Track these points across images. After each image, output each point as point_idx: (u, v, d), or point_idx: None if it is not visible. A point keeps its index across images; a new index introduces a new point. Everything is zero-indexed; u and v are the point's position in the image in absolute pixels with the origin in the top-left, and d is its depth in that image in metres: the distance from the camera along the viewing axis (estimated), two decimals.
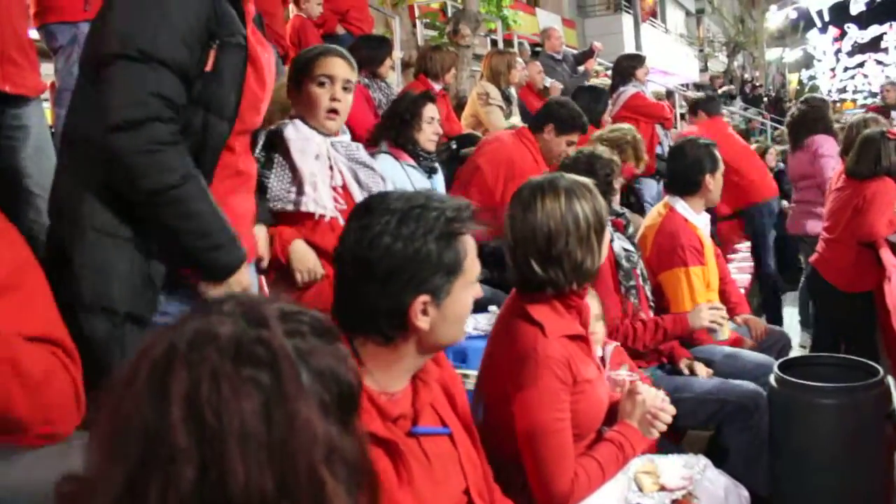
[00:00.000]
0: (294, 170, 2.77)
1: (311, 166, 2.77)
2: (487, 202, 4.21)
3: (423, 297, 1.57)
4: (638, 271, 3.37)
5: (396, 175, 3.69)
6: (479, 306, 2.77)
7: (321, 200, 2.77)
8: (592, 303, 2.57)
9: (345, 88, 2.82)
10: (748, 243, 7.74)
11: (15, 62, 2.81)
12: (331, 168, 2.84)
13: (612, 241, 3.12)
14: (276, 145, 2.82)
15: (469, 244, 1.63)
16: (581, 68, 8.59)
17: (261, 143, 2.83)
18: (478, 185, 4.27)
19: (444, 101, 5.89)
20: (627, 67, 6.97)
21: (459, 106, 7.07)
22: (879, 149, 4.38)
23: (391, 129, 3.84)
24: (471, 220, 1.62)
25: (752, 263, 6.86)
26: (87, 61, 1.90)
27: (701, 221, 3.74)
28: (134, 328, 1.85)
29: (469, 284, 1.64)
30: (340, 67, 2.80)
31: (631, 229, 3.53)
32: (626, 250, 3.32)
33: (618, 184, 3.49)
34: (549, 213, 2.17)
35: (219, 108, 1.93)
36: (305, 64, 2.82)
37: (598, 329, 2.72)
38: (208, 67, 1.86)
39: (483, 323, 3.24)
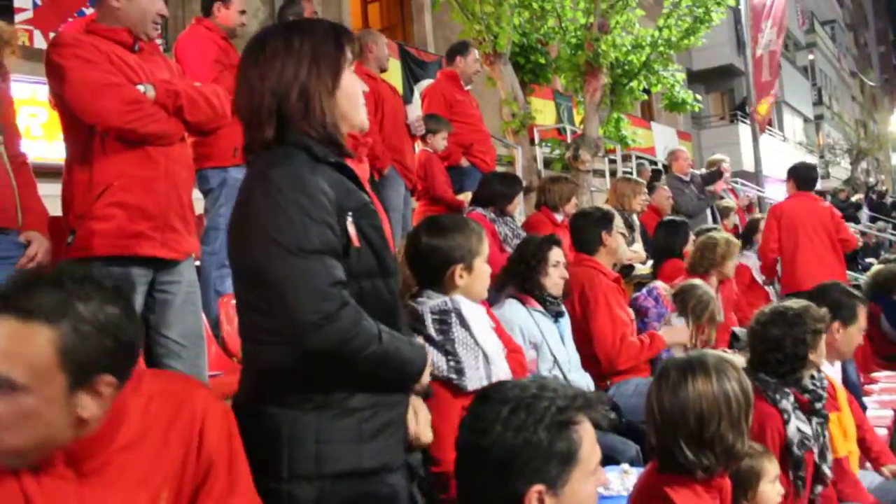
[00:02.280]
0: (477, 346, 2.78)
1: (493, 344, 2.82)
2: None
3: (538, 487, 1.56)
4: (815, 455, 2.97)
5: (524, 321, 3.70)
6: (605, 459, 2.70)
7: (498, 374, 2.78)
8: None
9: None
10: (888, 372, 7.32)
11: (175, 229, 3.04)
12: None
13: (786, 420, 2.88)
14: (450, 322, 2.80)
15: (586, 433, 1.61)
16: (709, 189, 8.49)
17: (429, 319, 2.80)
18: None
19: (567, 232, 5.92)
20: None
21: None
22: None
23: (517, 274, 3.87)
24: (586, 409, 1.61)
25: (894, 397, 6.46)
26: (244, 273, 1.94)
27: (831, 370, 3.59)
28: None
29: (589, 474, 1.62)
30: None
31: (820, 405, 3.06)
32: (801, 432, 2.91)
33: (815, 355, 3.04)
34: (700, 394, 2.12)
35: (381, 269, 1.99)
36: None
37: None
38: (356, 243, 1.91)
39: (615, 483, 3.11)
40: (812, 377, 3.03)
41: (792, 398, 2.93)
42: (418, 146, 6.09)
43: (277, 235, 1.81)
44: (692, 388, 2.14)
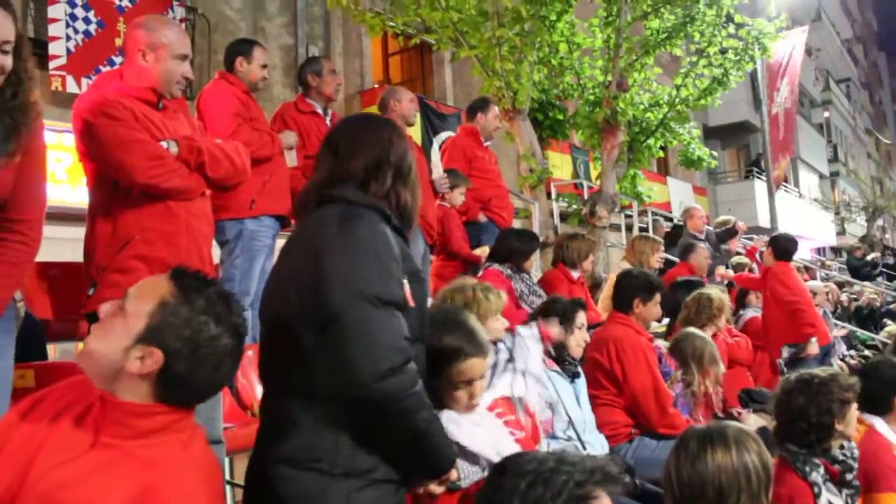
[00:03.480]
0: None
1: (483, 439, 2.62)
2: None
3: None
4: None
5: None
6: None
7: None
8: None
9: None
10: None
11: None
12: None
13: (817, 494, 2.80)
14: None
15: None
16: (724, 247, 8.48)
17: None
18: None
19: (583, 288, 5.91)
20: None
21: (594, 286, 7.09)
22: None
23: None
24: (605, 483, 1.59)
25: None
26: (308, 318, 1.91)
27: None
28: None
29: None
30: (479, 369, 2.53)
31: (851, 476, 2.97)
32: None
33: (843, 425, 2.94)
34: (720, 466, 2.09)
35: (422, 335, 2.06)
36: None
37: None
38: (411, 304, 1.96)
39: None
40: (842, 447, 2.96)
41: (822, 469, 2.86)
42: (437, 202, 6.11)
43: (360, 282, 1.85)
44: (711, 459, 2.10)
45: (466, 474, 2.44)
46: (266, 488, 1.91)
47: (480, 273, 5.30)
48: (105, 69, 7.29)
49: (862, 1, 52.77)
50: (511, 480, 1.59)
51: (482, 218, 6.31)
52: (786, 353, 6.40)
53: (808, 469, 2.84)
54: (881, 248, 26.48)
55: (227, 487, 3.27)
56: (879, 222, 34.24)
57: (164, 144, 3.00)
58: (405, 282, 1.96)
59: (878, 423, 3.49)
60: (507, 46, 7.66)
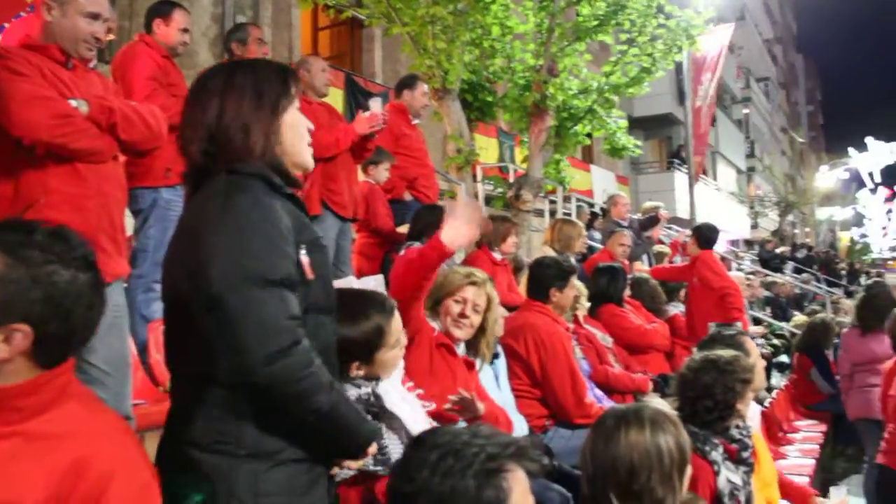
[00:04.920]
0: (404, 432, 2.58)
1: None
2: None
3: None
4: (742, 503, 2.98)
5: None
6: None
7: None
8: None
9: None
10: (810, 421, 7.48)
11: (104, 250, 2.89)
12: None
13: (717, 472, 2.88)
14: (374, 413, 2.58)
15: (517, 482, 1.56)
16: (647, 234, 8.62)
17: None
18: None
19: (506, 270, 5.90)
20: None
21: (517, 269, 7.10)
22: None
23: None
24: (518, 457, 1.57)
25: (816, 446, 6.59)
26: (188, 301, 1.83)
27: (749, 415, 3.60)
28: None
29: None
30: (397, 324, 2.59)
31: (746, 454, 3.07)
32: (731, 483, 2.93)
33: (742, 404, 3.05)
34: (632, 445, 2.10)
35: (327, 306, 1.97)
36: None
37: None
38: (310, 276, 1.88)
39: None
40: (738, 426, 3.05)
41: (721, 449, 2.94)
42: (361, 177, 6.01)
43: (241, 262, 1.76)
44: (624, 438, 2.11)
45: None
46: (172, 471, 1.83)
47: (402, 251, 5.24)
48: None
49: (783, 3, 54.44)
50: (423, 453, 1.57)
51: (407, 196, 6.24)
52: (713, 329, 6.55)
53: (707, 449, 2.90)
54: (791, 242, 27.49)
55: None
56: (790, 217, 35.54)
57: (73, 103, 2.84)
58: (303, 252, 1.87)
59: None
60: (440, 25, 7.59)
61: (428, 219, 5.31)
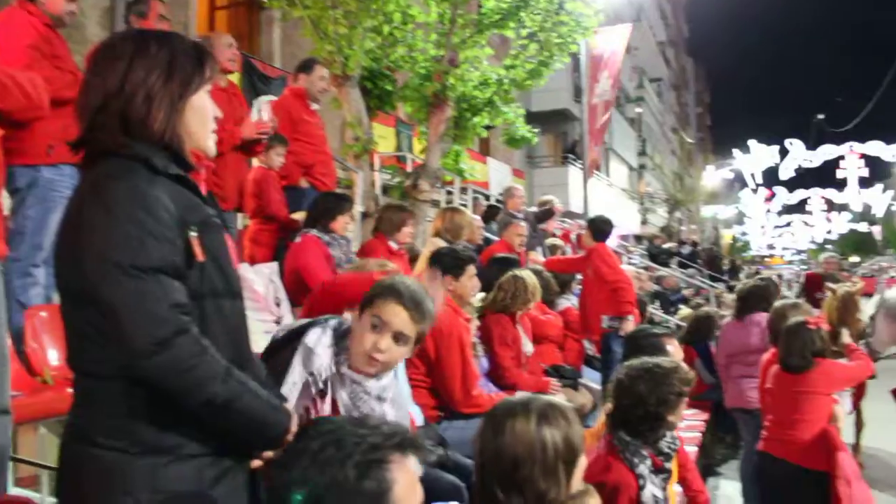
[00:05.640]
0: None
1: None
2: None
3: None
4: None
5: None
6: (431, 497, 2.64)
7: None
8: None
9: (396, 339, 2.58)
10: (693, 410, 7.76)
11: None
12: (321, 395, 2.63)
13: (642, 486, 2.87)
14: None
15: (401, 473, 1.54)
16: (542, 226, 8.76)
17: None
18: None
19: (402, 260, 5.88)
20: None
21: (413, 259, 7.10)
22: (804, 339, 4.50)
23: None
24: (404, 448, 1.55)
25: (699, 434, 6.82)
26: (74, 294, 1.77)
27: None
28: None
29: None
30: (400, 318, 2.56)
31: (669, 464, 3.06)
32: (655, 497, 2.90)
33: (674, 416, 2.98)
34: (517, 437, 2.10)
35: (227, 289, 1.88)
36: (369, 298, 2.62)
37: None
38: (201, 257, 1.79)
39: None
40: (667, 438, 3.05)
41: (649, 462, 2.94)
42: (254, 162, 5.88)
43: (111, 252, 1.67)
44: (511, 430, 2.12)
45: None
46: (69, 468, 1.78)
47: (298, 239, 5.15)
48: None
49: (676, 8, 56.27)
50: (306, 443, 1.54)
51: (303, 183, 6.14)
52: (606, 323, 6.72)
53: (636, 461, 2.91)
54: (678, 238, 28.52)
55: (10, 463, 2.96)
56: (678, 214, 36.88)
57: None
58: (193, 234, 1.78)
59: None
60: (341, 10, 7.48)
61: (324, 206, 5.24)
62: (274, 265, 5.15)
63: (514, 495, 2.09)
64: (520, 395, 2.36)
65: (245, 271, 4.75)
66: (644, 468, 2.90)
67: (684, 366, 3.10)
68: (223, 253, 1.88)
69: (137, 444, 1.73)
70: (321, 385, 2.56)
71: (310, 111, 6.28)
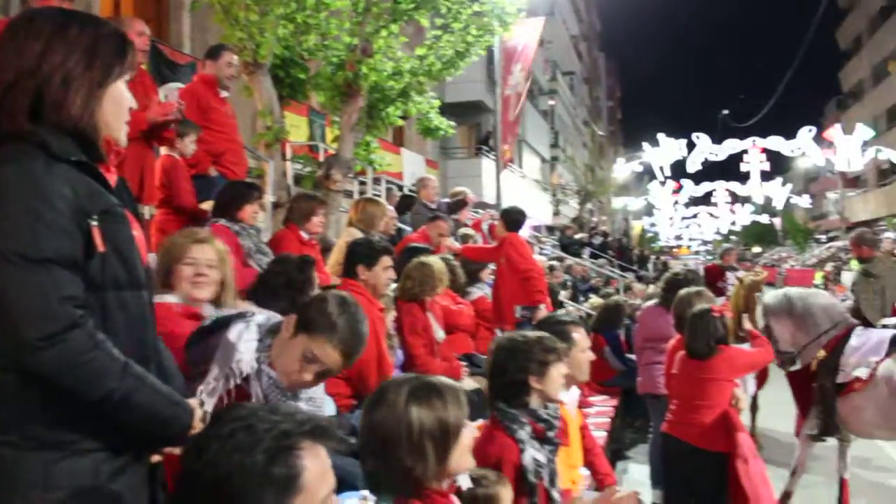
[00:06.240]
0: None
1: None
2: None
3: None
4: (545, 484, 3.03)
5: None
6: (344, 485, 2.65)
7: None
8: None
9: (322, 374, 2.55)
10: (603, 397, 7.97)
11: None
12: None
13: (522, 450, 2.97)
14: None
15: (312, 460, 1.52)
16: (454, 217, 8.82)
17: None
18: None
19: (315, 250, 5.84)
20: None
21: (325, 249, 7.05)
22: (708, 327, 4.67)
23: (286, 297, 3.72)
24: (315, 435, 1.54)
25: (608, 419, 7.00)
26: None
27: (566, 399, 3.71)
28: None
29: None
30: (332, 360, 2.51)
31: (552, 433, 3.14)
32: (536, 461, 3.00)
33: (541, 384, 3.10)
34: (386, 416, 2.15)
35: (130, 281, 1.82)
36: (311, 324, 2.53)
37: None
38: (101, 248, 1.73)
39: None
40: (546, 407, 3.15)
41: (529, 428, 3.05)
42: (163, 150, 5.74)
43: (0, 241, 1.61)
44: (381, 409, 2.16)
45: None
46: None
47: (207, 228, 5.05)
48: None
49: (589, 3, 57.30)
50: (217, 428, 1.52)
51: (213, 172, 6.02)
52: (518, 312, 6.82)
53: (515, 427, 3.03)
54: (589, 229, 29.12)
55: None
56: (589, 206, 37.58)
57: None
58: (94, 224, 1.72)
59: None
60: None
61: (231, 195, 5.14)
62: None
63: (383, 469, 2.14)
64: (407, 374, 2.38)
65: (151, 261, 4.65)
66: (524, 434, 3.01)
67: (552, 337, 3.23)
68: (127, 243, 1.83)
69: (30, 438, 1.68)
70: (239, 381, 2.53)
71: (219, 99, 6.16)
